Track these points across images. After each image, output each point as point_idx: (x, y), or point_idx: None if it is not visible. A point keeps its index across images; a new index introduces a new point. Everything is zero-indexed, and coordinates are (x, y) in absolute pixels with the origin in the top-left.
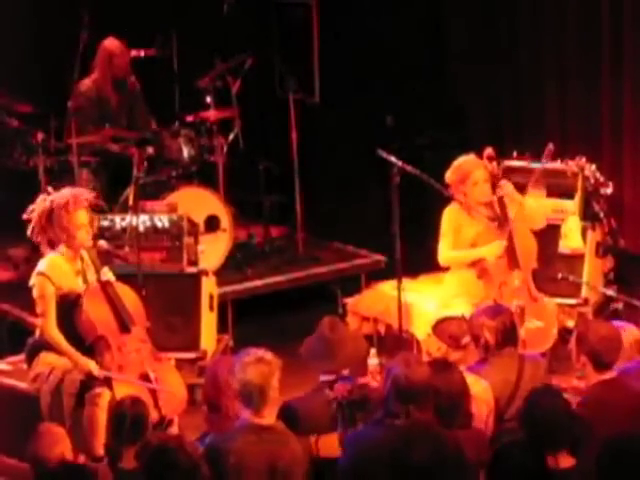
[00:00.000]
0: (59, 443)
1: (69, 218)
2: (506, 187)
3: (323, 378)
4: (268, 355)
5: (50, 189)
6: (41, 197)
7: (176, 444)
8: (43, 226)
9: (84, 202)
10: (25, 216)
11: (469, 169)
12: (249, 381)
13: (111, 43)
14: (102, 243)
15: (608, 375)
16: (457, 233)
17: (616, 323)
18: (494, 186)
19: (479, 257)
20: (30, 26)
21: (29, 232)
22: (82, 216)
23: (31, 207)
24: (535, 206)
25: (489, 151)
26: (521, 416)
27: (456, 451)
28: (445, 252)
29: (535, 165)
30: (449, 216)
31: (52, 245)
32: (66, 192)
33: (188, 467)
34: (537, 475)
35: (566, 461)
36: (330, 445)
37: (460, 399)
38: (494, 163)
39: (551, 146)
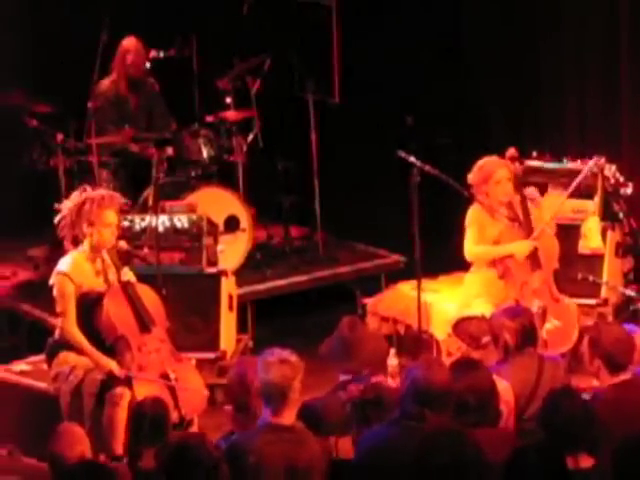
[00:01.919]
0: (78, 443)
1: (99, 213)
2: (533, 194)
3: (343, 378)
4: (292, 357)
5: (87, 187)
6: (77, 192)
7: (197, 442)
8: (73, 220)
9: (117, 204)
10: (57, 206)
11: (492, 168)
12: (271, 381)
13: (127, 41)
14: (122, 244)
15: (623, 377)
16: (481, 231)
17: (631, 328)
18: (516, 186)
19: (507, 253)
20: (50, 27)
21: (56, 222)
22: (111, 216)
23: (65, 200)
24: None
25: (512, 151)
26: (540, 417)
27: (476, 454)
28: (472, 247)
29: (556, 166)
30: (473, 214)
31: (75, 243)
32: (102, 191)
33: (209, 465)
34: (556, 476)
35: (586, 461)
36: (349, 446)
37: (489, 397)
38: (516, 163)
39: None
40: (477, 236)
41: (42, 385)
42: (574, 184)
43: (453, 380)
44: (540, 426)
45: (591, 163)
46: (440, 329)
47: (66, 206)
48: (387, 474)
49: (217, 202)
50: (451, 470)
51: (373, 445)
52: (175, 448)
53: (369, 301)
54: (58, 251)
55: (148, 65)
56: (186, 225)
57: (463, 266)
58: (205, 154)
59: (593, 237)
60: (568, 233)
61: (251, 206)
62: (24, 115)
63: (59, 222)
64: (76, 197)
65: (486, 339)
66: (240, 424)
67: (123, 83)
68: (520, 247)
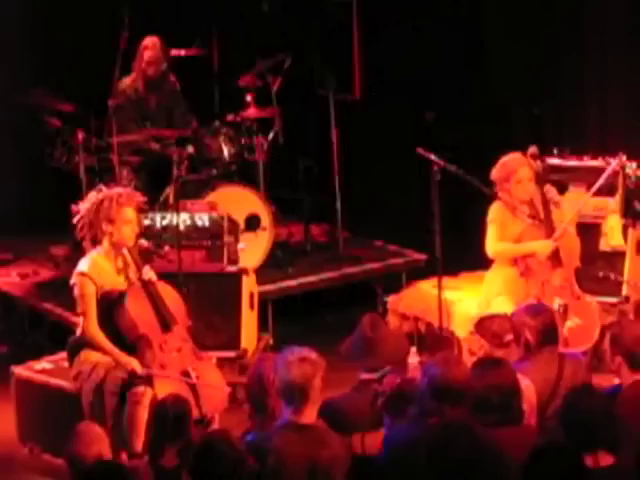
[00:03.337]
0: (96, 442)
1: (118, 210)
2: (552, 192)
3: (363, 376)
4: (312, 355)
5: (102, 186)
6: (93, 192)
7: (221, 437)
8: (91, 219)
9: (135, 201)
10: (74, 207)
11: (513, 167)
12: (291, 380)
13: (147, 39)
14: (142, 242)
15: None
16: (503, 229)
17: None
18: (538, 184)
19: (529, 252)
20: (71, 26)
21: (74, 222)
22: (130, 213)
23: (82, 201)
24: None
25: (533, 149)
26: (559, 415)
27: (493, 450)
28: (493, 244)
29: (577, 163)
30: (495, 212)
31: (95, 243)
32: (119, 189)
33: (234, 459)
34: (574, 475)
35: (605, 459)
36: (377, 442)
37: (512, 396)
38: (537, 161)
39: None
40: (499, 234)
41: (64, 383)
42: (597, 184)
43: (476, 378)
44: (559, 424)
45: (614, 164)
46: (461, 327)
47: (84, 206)
48: (411, 473)
49: (238, 200)
50: (465, 470)
51: (395, 444)
52: (200, 445)
53: (390, 299)
54: (79, 250)
55: (165, 66)
56: (207, 223)
57: (484, 264)
58: (226, 153)
59: (614, 235)
60: (589, 231)
61: (272, 204)
62: (45, 114)
63: (77, 223)
64: (93, 197)
65: (508, 337)
66: (257, 423)
67: (141, 82)
68: (542, 247)
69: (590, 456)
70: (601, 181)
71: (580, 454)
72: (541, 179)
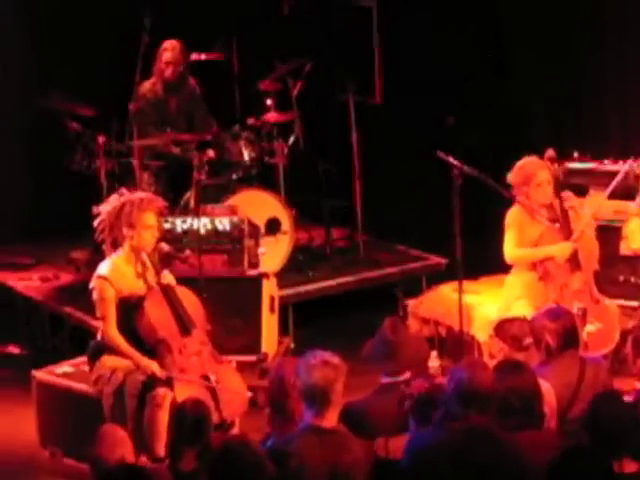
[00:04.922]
0: (120, 445)
1: (139, 216)
2: (571, 200)
3: (384, 380)
4: (335, 359)
5: (124, 190)
6: (115, 195)
7: (241, 441)
8: (112, 223)
9: (156, 207)
10: (95, 209)
11: (532, 170)
12: (313, 384)
13: (166, 42)
14: (163, 245)
15: None
16: (521, 233)
17: None
18: (556, 188)
19: (548, 256)
20: (92, 30)
21: (95, 225)
22: (151, 218)
23: (104, 203)
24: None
25: (550, 153)
26: (585, 421)
27: (515, 455)
28: (511, 250)
29: (597, 167)
30: (513, 216)
31: (115, 246)
32: (141, 193)
33: (254, 463)
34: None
35: (630, 466)
36: (401, 446)
37: (533, 399)
38: (555, 165)
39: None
40: (517, 238)
41: (84, 387)
42: (612, 185)
43: (497, 382)
44: (585, 430)
45: (627, 164)
46: (481, 331)
47: (105, 209)
48: (430, 476)
49: (258, 204)
50: (488, 474)
51: (419, 448)
52: (219, 450)
53: (410, 303)
54: (100, 254)
55: (183, 68)
56: (227, 227)
57: (504, 267)
58: (246, 156)
59: (635, 238)
60: (609, 234)
61: (292, 208)
62: (66, 118)
63: (98, 225)
64: (114, 200)
65: (528, 340)
66: (277, 426)
67: (160, 85)
68: (560, 249)
69: (615, 463)
70: (615, 183)
71: (609, 458)
72: (558, 182)
